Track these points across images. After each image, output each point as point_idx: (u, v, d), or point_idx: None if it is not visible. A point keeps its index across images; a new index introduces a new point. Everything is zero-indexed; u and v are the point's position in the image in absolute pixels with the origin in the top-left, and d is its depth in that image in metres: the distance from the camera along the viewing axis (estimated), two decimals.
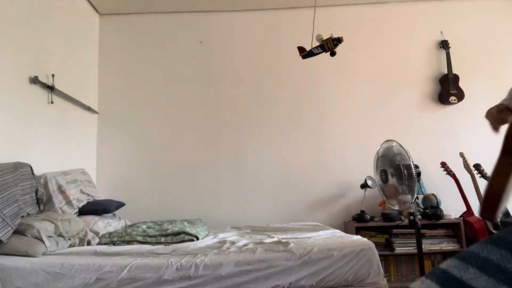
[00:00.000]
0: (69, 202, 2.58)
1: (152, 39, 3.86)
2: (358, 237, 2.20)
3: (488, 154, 3.50)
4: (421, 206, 3.28)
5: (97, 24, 3.83)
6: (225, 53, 3.82)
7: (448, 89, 3.63)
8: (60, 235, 2.09)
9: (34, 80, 2.65)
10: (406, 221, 3.06)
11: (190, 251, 2.01)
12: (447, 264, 0.33)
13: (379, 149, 2.38)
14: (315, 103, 3.74)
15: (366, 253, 1.88)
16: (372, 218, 3.32)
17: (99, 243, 2.35)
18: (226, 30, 3.87)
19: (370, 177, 3.29)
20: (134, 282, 1.76)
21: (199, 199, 3.57)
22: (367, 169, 3.22)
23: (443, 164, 3.33)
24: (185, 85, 3.79)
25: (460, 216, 3.22)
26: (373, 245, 1.98)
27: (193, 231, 2.39)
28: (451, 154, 3.39)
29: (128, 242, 2.29)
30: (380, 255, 2.04)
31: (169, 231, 2.39)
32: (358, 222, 3.22)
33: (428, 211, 3.16)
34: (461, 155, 3.27)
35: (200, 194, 3.59)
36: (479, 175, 3.17)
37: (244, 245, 2.13)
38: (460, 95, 3.62)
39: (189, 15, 3.88)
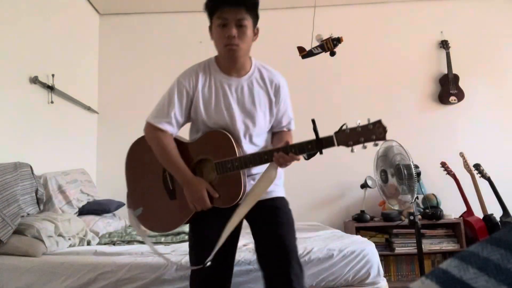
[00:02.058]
0: (69, 202, 2.58)
1: (152, 39, 3.86)
2: (358, 237, 2.20)
3: (488, 154, 3.50)
4: (421, 206, 3.28)
5: (97, 24, 3.83)
6: None
7: (448, 89, 3.63)
8: (60, 235, 2.09)
9: (34, 80, 2.65)
10: (406, 221, 3.05)
11: None
12: (447, 264, 0.33)
13: (379, 149, 2.38)
14: (315, 102, 3.74)
15: (366, 253, 1.88)
16: (372, 218, 3.32)
17: (99, 243, 2.35)
18: None
19: (370, 177, 3.29)
20: (134, 282, 1.76)
21: None
22: (367, 169, 3.22)
23: (443, 164, 3.33)
24: None
25: (460, 216, 3.22)
26: (373, 245, 1.98)
27: None
28: (451, 154, 3.39)
29: (128, 242, 2.29)
30: (380, 255, 2.04)
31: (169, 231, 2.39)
32: (358, 222, 3.22)
33: (428, 211, 3.16)
34: (461, 155, 3.27)
35: None
36: (479, 175, 3.18)
37: (244, 245, 2.13)
38: (460, 95, 3.62)
39: (189, 15, 3.88)
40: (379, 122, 1.32)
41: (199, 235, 1.47)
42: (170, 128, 1.45)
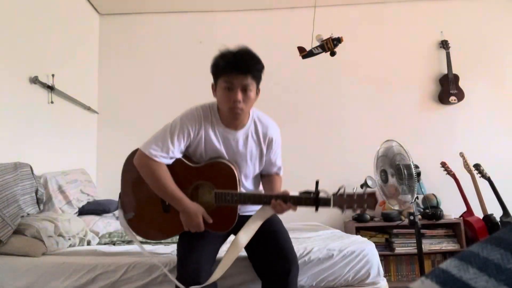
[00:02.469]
0: (69, 202, 2.58)
1: (152, 39, 3.86)
2: (358, 237, 2.19)
3: (488, 154, 3.50)
4: (421, 206, 3.28)
5: (97, 24, 3.83)
6: None
7: (448, 89, 3.63)
8: (60, 235, 2.09)
9: (34, 80, 2.64)
10: (406, 221, 3.05)
11: None
12: (447, 264, 0.33)
13: (379, 149, 2.37)
14: (315, 103, 3.74)
15: (366, 253, 1.87)
16: (372, 218, 3.32)
17: (99, 243, 2.35)
18: (226, 30, 3.87)
19: (370, 177, 3.29)
20: (134, 282, 1.76)
21: None
22: (367, 169, 3.22)
23: (443, 164, 3.33)
24: (185, 85, 3.79)
25: (460, 216, 3.22)
26: (373, 245, 1.97)
27: None
28: (451, 154, 3.39)
29: (128, 242, 2.28)
30: (380, 255, 2.03)
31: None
32: (358, 222, 3.22)
33: (428, 211, 3.16)
34: (461, 155, 3.27)
35: None
36: (479, 175, 3.18)
37: None
38: (460, 95, 3.62)
39: (189, 15, 3.88)
40: (373, 194, 1.45)
41: (189, 249, 1.53)
42: (166, 161, 1.51)
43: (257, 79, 1.55)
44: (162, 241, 2.27)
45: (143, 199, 1.63)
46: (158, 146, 1.50)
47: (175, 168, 1.54)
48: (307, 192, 1.46)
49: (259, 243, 1.55)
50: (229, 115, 1.53)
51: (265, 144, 1.64)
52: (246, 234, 1.48)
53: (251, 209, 1.62)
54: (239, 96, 1.47)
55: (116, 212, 2.99)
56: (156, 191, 1.52)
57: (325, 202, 1.44)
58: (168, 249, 2.04)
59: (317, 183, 1.45)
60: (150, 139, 1.53)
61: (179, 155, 1.55)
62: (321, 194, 1.44)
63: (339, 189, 1.44)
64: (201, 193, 1.57)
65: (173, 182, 1.50)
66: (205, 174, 1.55)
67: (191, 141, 1.55)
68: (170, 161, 1.53)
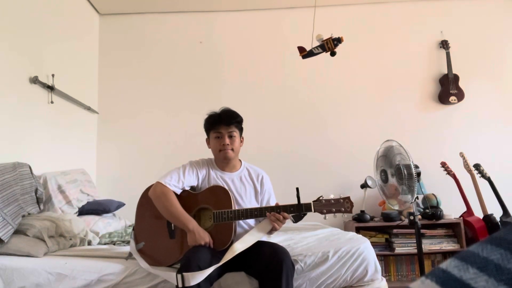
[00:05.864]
0: (69, 202, 2.58)
1: (152, 39, 3.86)
2: (352, 234, 2.16)
3: (488, 154, 3.50)
4: (421, 206, 3.28)
5: (97, 24, 3.83)
6: (225, 53, 3.82)
7: (448, 89, 3.63)
8: (61, 235, 2.09)
9: (34, 80, 2.65)
10: (406, 221, 3.05)
11: None
12: (447, 264, 0.33)
13: (379, 149, 2.37)
14: (315, 102, 3.74)
15: (361, 251, 1.85)
16: (372, 218, 3.32)
17: (99, 243, 2.35)
18: (226, 30, 3.87)
19: (370, 177, 3.29)
20: (136, 287, 1.75)
21: None
22: (367, 169, 3.22)
23: (443, 164, 3.33)
24: (185, 85, 3.79)
25: (460, 216, 3.22)
26: (368, 242, 1.94)
27: None
28: (451, 154, 3.39)
29: (129, 243, 2.28)
30: (380, 255, 2.02)
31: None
32: (358, 222, 3.22)
33: (428, 211, 3.16)
34: (461, 155, 3.27)
35: None
36: (479, 175, 3.18)
37: None
38: (460, 95, 3.62)
39: (189, 15, 3.88)
40: (348, 198, 1.73)
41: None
42: (176, 190, 1.82)
43: (239, 129, 1.97)
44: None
45: (151, 229, 1.85)
46: (172, 178, 1.82)
47: (181, 195, 1.83)
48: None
49: (251, 249, 1.69)
50: (221, 157, 1.91)
51: (258, 182, 1.97)
52: (242, 244, 1.67)
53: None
54: (227, 140, 1.88)
55: (116, 212, 3.00)
56: (166, 213, 1.75)
57: (307, 208, 1.70)
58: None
59: (297, 189, 1.70)
60: (166, 175, 1.84)
61: (187, 187, 1.86)
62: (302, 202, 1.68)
63: (318, 198, 1.72)
64: (203, 220, 1.81)
65: (181, 206, 1.76)
66: (205, 199, 1.82)
67: (201, 180, 1.90)
68: (179, 191, 1.82)
